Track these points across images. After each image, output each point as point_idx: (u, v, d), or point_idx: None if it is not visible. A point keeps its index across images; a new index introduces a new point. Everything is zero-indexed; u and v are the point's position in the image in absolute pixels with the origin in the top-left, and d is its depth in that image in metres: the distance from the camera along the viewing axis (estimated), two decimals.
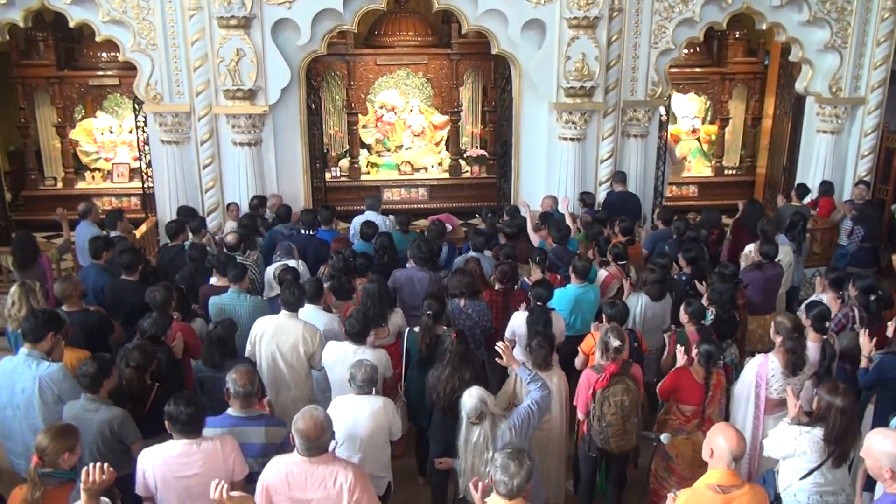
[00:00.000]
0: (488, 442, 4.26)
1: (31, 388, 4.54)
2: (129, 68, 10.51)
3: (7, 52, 11.66)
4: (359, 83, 12.81)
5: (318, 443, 3.63)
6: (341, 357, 5.21)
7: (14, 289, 5.69)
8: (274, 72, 9.40)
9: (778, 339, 5.11)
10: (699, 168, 13.52)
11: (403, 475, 6.04)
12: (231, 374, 4.25)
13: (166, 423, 3.93)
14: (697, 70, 13.08)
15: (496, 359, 4.95)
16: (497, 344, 4.91)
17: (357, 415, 4.56)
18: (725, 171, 13.37)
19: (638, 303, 6.46)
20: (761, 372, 5.03)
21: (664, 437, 4.62)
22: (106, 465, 3.44)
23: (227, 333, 5.15)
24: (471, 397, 4.30)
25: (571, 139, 10.01)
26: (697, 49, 12.87)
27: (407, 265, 6.97)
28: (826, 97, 10.31)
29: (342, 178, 12.72)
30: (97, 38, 9.22)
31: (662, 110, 10.77)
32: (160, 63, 9.29)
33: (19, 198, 12.10)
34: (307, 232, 7.85)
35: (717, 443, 3.68)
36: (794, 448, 4.31)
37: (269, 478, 3.74)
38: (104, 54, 11.98)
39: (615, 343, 4.89)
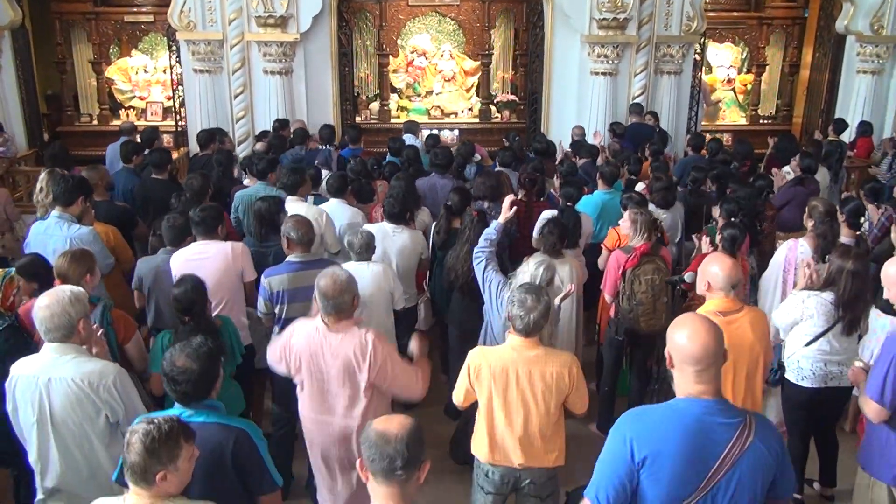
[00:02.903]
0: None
1: (63, 248, 4.60)
2: (163, 3, 10.66)
3: None
4: (390, 24, 12.79)
5: (336, 302, 3.58)
6: (380, 236, 5.26)
7: (42, 175, 5.77)
8: None
9: (810, 224, 5.02)
10: (734, 117, 13.28)
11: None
12: (288, 224, 4.44)
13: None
14: (735, 14, 12.82)
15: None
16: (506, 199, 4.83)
17: (358, 279, 4.57)
18: (761, 121, 13.12)
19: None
20: (790, 256, 4.94)
21: (688, 276, 4.56)
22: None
23: (273, 208, 5.17)
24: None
25: (603, 73, 9.94)
26: None
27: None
28: (867, 35, 10.08)
29: (372, 121, 12.74)
30: None
31: (697, 48, 10.60)
32: None
33: (57, 134, 12.28)
34: (326, 147, 7.87)
35: (712, 272, 3.66)
36: (801, 312, 4.23)
37: (296, 335, 3.71)
38: None
39: (659, 218, 4.85)
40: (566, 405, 3.58)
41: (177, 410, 2.86)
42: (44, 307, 3.13)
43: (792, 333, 4.38)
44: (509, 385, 3.48)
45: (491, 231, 4.71)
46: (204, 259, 4.53)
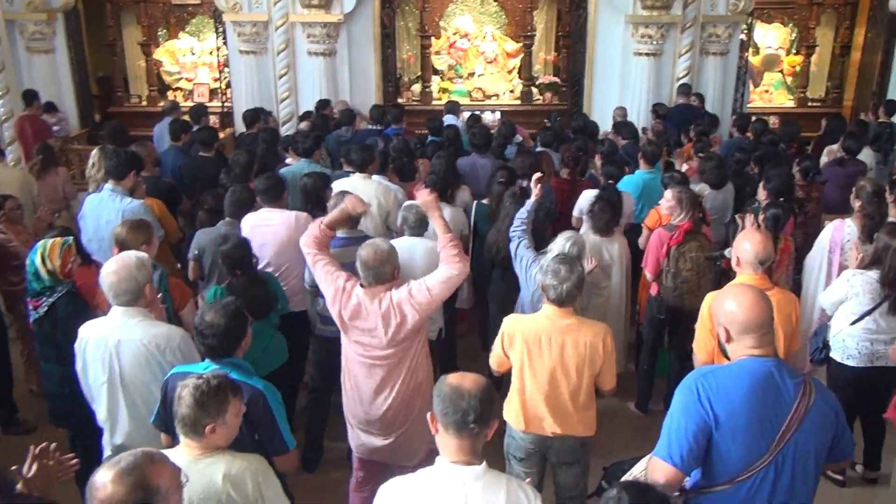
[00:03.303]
0: None
1: (115, 220, 4.78)
2: None
3: None
4: (433, 6, 12.79)
5: (377, 272, 3.63)
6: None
7: (95, 151, 5.96)
8: None
9: (857, 204, 4.94)
10: (781, 100, 13.01)
11: (467, 350, 6.16)
12: (336, 201, 4.46)
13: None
14: None
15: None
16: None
17: (412, 254, 4.66)
18: (809, 103, 12.83)
19: (698, 193, 6.31)
20: (836, 237, 4.87)
21: (727, 252, 4.54)
22: None
23: (318, 184, 5.33)
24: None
25: (647, 54, 9.83)
26: None
27: None
28: None
29: (413, 103, 12.79)
30: None
31: (744, 28, 10.40)
32: None
33: (107, 115, 12.59)
34: (375, 126, 7.95)
35: (743, 248, 3.64)
36: (847, 290, 4.19)
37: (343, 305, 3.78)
38: None
39: (690, 194, 4.83)
40: (596, 381, 3.59)
41: (203, 365, 2.97)
42: (111, 272, 3.26)
43: (838, 312, 4.35)
44: (542, 353, 3.52)
45: (522, 212, 4.78)
46: (270, 226, 4.75)
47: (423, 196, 3.98)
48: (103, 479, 2.03)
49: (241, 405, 2.62)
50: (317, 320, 4.73)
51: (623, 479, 2.79)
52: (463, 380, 2.38)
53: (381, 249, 3.71)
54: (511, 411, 3.67)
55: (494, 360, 3.72)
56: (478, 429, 2.33)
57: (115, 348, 3.24)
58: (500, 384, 4.57)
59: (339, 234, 4.59)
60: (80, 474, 4.03)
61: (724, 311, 2.60)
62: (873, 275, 4.14)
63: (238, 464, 2.50)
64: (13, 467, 2.54)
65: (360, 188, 5.67)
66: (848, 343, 4.28)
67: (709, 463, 2.54)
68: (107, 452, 3.50)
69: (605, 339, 3.52)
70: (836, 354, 4.39)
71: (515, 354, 3.58)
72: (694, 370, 2.66)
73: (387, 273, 3.69)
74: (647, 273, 5.14)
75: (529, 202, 4.82)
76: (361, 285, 3.67)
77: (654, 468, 2.56)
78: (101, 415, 3.38)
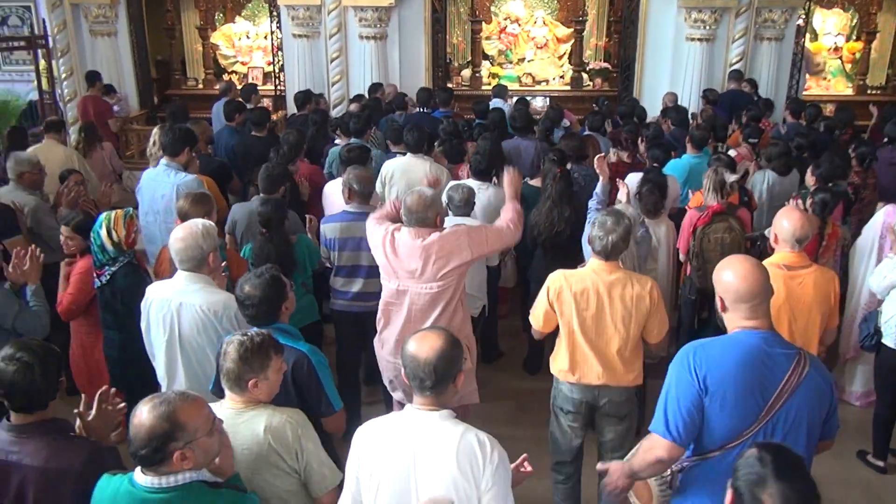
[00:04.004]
0: None
1: (170, 194, 4.98)
2: None
3: None
4: None
5: (419, 216, 3.78)
6: None
7: (155, 130, 6.17)
8: None
9: None
10: (840, 87, 12.69)
11: (510, 328, 6.24)
12: (351, 174, 4.63)
13: None
14: None
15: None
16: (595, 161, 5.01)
17: None
18: (868, 91, 12.48)
19: (764, 179, 6.23)
20: (888, 222, 4.79)
21: (768, 232, 4.51)
22: None
23: (364, 155, 5.52)
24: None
25: (699, 40, 9.71)
26: None
27: None
28: None
29: (463, 87, 12.84)
30: None
31: (802, 14, 10.18)
32: None
33: (166, 97, 12.96)
34: (422, 109, 8.04)
35: (781, 225, 3.62)
36: None
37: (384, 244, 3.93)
38: None
39: (731, 177, 4.83)
40: (643, 333, 3.63)
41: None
42: (179, 239, 3.42)
43: (889, 298, 4.31)
44: (589, 305, 3.56)
45: (598, 192, 4.95)
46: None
47: (510, 173, 4.18)
48: (140, 408, 2.21)
49: (283, 363, 2.75)
50: (333, 294, 4.84)
51: (626, 459, 2.82)
52: (421, 345, 2.43)
53: (425, 195, 3.87)
54: (559, 364, 3.72)
55: (539, 316, 3.73)
56: (436, 390, 2.42)
57: (177, 311, 3.40)
58: (537, 370, 4.65)
59: (349, 208, 4.69)
60: None
61: (721, 280, 2.63)
62: None
63: (279, 416, 2.64)
64: (75, 410, 2.71)
65: (414, 167, 5.83)
66: None
67: (699, 432, 2.58)
68: None
69: (651, 292, 3.55)
70: (888, 340, 4.35)
71: (563, 307, 3.61)
72: (687, 343, 2.68)
73: (430, 218, 3.82)
74: (681, 255, 5.14)
75: (600, 184, 4.94)
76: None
77: (653, 445, 2.60)
78: (161, 371, 3.55)
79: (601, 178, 4.96)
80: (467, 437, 2.39)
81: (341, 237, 4.61)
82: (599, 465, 2.93)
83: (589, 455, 3.95)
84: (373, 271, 4.38)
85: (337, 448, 3.22)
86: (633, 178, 5.98)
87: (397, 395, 4.22)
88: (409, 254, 3.79)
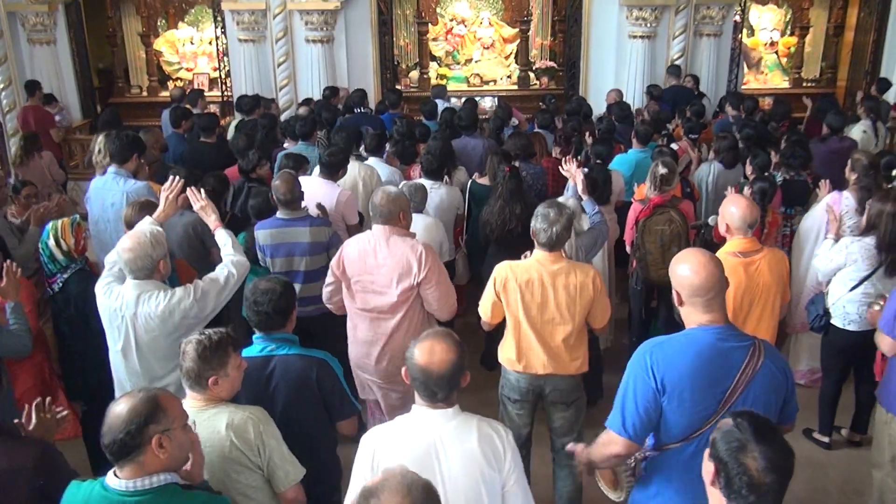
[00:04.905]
0: None
1: (120, 201, 4.93)
2: None
3: None
4: None
5: (383, 210, 3.90)
6: None
7: (100, 138, 6.08)
8: None
9: (853, 177, 5.07)
10: (776, 81, 13.11)
11: (465, 326, 6.30)
12: (275, 183, 4.63)
13: None
14: None
15: (561, 167, 5.09)
16: (563, 163, 5.04)
17: (413, 229, 4.80)
18: (804, 84, 12.92)
19: (710, 171, 6.41)
20: (835, 208, 4.98)
21: (711, 220, 4.66)
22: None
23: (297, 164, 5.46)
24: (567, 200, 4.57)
25: (641, 37, 9.93)
26: None
27: None
28: None
29: (412, 89, 12.90)
30: None
31: (738, 10, 10.50)
32: None
33: (108, 105, 12.73)
34: (359, 110, 8.07)
35: (730, 212, 3.77)
36: (845, 257, 4.33)
37: (347, 247, 4.03)
38: None
39: (661, 171, 4.94)
40: (587, 319, 3.75)
41: (258, 347, 3.12)
42: (127, 249, 3.40)
43: (835, 280, 4.49)
44: (535, 295, 3.67)
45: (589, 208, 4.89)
46: (314, 197, 4.95)
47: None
48: (118, 401, 2.25)
49: (242, 359, 2.78)
50: None
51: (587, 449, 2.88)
52: (432, 359, 2.42)
53: (389, 192, 4.01)
54: (506, 353, 3.83)
55: (487, 306, 3.82)
56: (447, 400, 2.46)
57: (132, 319, 3.40)
58: (493, 366, 4.76)
59: (279, 214, 4.68)
60: (93, 443, 4.24)
61: (676, 274, 2.70)
62: (870, 241, 4.28)
63: (240, 413, 2.67)
64: (15, 420, 2.74)
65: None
66: (849, 309, 4.42)
67: (658, 427, 2.65)
68: None
69: (594, 280, 3.68)
70: (836, 321, 4.53)
71: (509, 297, 3.71)
72: (646, 341, 2.75)
73: (394, 213, 3.94)
74: (627, 247, 5.28)
75: (570, 187, 5.02)
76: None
77: (609, 441, 2.67)
78: (118, 376, 3.58)
79: (578, 187, 4.93)
80: (483, 428, 2.46)
81: (273, 243, 4.62)
82: (570, 446, 2.99)
83: (538, 445, 4.09)
84: (310, 276, 4.52)
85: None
86: (579, 175, 6.12)
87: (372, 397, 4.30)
88: (374, 258, 3.91)
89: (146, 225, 3.65)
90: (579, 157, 6.81)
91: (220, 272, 3.60)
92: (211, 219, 3.91)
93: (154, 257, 3.43)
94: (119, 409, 2.21)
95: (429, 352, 2.44)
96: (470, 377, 2.55)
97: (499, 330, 4.01)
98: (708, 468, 2.08)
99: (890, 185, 5.45)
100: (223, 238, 3.82)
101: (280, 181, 4.60)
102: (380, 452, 2.45)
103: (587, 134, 7.14)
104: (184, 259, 4.51)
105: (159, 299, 3.39)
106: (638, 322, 5.52)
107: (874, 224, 4.22)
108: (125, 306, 3.40)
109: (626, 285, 6.51)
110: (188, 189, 3.93)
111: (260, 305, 3.09)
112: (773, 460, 1.97)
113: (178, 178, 3.93)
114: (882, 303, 3.87)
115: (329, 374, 3.11)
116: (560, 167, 5.14)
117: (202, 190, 4.03)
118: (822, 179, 5.35)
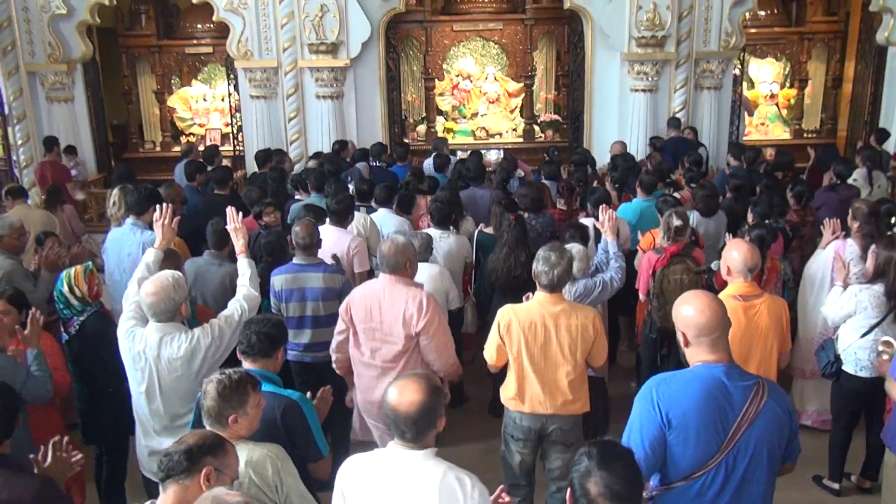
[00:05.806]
0: None
1: (136, 252, 5.06)
2: (221, 36, 11.31)
3: (114, 27, 12.68)
4: (435, 49, 13.26)
5: (389, 261, 4.00)
6: None
7: (115, 191, 6.23)
8: (355, 26, 9.98)
9: (855, 225, 5.17)
10: (777, 132, 13.32)
11: (474, 373, 6.34)
12: (294, 228, 4.78)
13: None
14: (776, 30, 12.94)
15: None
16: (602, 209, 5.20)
17: (417, 277, 4.91)
18: (804, 135, 13.13)
19: (690, 219, 6.51)
20: (839, 254, 5.05)
21: (714, 265, 4.72)
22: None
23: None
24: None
25: (643, 90, 10.18)
26: (776, 10, 12.78)
27: None
28: None
29: (419, 143, 13.17)
30: (194, 0, 9.96)
31: (737, 63, 10.75)
32: (250, 21, 10.01)
33: (123, 161, 13.02)
34: (376, 163, 8.28)
35: (732, 256, 3.85)
36: (855, 305, 4.39)
37: (353, 294, 4.15)
38: (199, 25, 12.90)
39: (676, 222, 5.04)
40: (588, 359, 3.86)
41: None
42: (150, 293, 3.53)
43: (845, 327, 4.54)
44: (537, 337, 3.78)
45: (609, 249, 5.14)
46: (328, 243, 5.12)
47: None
48: (188, 435, 2.43)
49: (261, 398, 2.87)
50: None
51: None
52: (401, 399, 2.45)
53: (398, 241, 4.12)
54: (508, 393, 3.93)
55: (492, 349, 3.93)
56: (416, 441, 2.49)
57: (155, 361, 3.52)
58: (501, 413, 4.83)
59: (296, 260, 4.83)
60: (105, 486, 4.28)
61: (681, 315, 2.77)
62: (878, 288, 4.36)
63: (259, 451, 2.75)
64: (31, 456, 2.86)
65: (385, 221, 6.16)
66: (860, 355, 4.46)
67: (665, 464, 2.69)
68: (142, 453, 3.75)
69: (594, 321, 3.81)
70: (848, 367, 4.55)
71: (512, 339, 3.83)
72: (651, 378, 2.80)
73: (400, 263, 4.03)
74: (640, 295, 5.36)
75: (610, 242, 5.14)
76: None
77: None
78: (141, 416, 3.68)
79: (608, 235, 5.12)
80: (448, 477, 2.48)
81: (287, 287, 4.72)
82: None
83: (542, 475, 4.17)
84: (319, 321, 4.63)
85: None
86: (586, 223, 6.25)
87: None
88: (379, 307, 4.02)
89: (165, 272, 3.77)
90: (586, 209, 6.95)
91: (234, 309, 3.74)
92: (240, 243, 4.13)
93: (176, 300, 3.55)
94: (187, 437, 2.36)
95: (400, 392, 2.47)
96: (446, 422, 2.58)
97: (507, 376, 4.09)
98: (567, 494, 2.19)
99: (890, 233, 5.53)
100: (244, 267, 4.02)
101: (301, 226, 4.76)
102: (348, 484, 2.58)
103: (594, 183, 7.29)
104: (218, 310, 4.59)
105: (181, 341, 3.52)
106: (649, 369, 5.54)
107: (883, 271, 4.31)
108: (149, 349, 3.52)
109: (631, 332, 6.58)
110: (228, 208, 4.19)
111: (249, 327, 3.24)
112: (612, 487, 2.07)
113: (166, 205, 4.20)
114: (885, 348, 3.92)
115: (296, 415, 3.13)
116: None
117: (239, 213, 4.28)
118: (825, 219, 5.41)
